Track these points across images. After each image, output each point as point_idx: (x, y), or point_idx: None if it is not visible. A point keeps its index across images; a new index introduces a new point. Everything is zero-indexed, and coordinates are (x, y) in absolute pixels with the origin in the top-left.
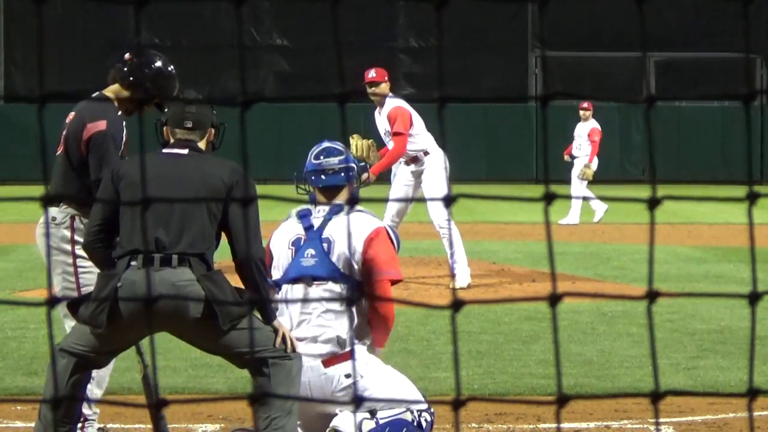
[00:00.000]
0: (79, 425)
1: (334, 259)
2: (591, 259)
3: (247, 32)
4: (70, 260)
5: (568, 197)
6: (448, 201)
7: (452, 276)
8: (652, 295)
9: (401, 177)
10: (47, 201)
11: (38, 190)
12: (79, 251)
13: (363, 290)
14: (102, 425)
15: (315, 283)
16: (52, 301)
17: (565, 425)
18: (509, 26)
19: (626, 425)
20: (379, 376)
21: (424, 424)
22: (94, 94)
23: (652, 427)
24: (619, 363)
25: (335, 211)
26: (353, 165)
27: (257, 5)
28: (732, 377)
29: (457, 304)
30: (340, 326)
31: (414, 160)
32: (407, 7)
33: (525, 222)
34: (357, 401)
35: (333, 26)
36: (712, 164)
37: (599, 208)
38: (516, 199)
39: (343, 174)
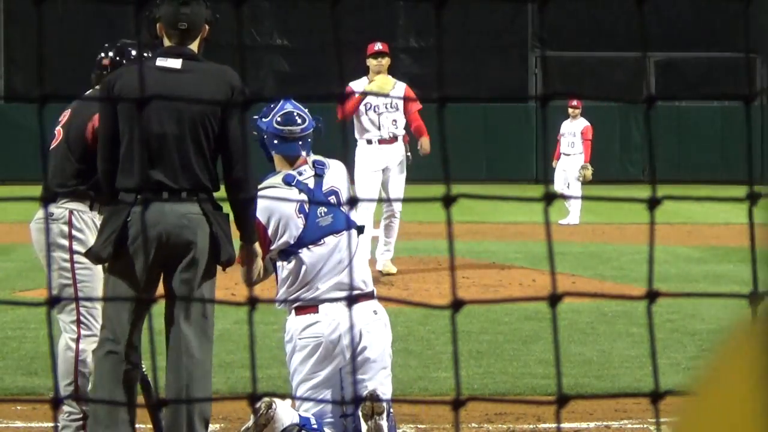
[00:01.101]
0: (80, 423)
1: (345, 208)
2: (591, 259)
3: (247, 32)
4: (66, 256)
5: (568, 198)
6: (448, 201)
7: (378, 259)
8: (652, 295)
9: (372, 162)
10: (47, 199)
11: (38, 190)
12: (76, 247)
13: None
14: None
15: (333, 238)
16: (52, 301)
17: (565, 425)
18: (509, 26)
19: (626, 425)
20: (390, 345)
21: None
22: (88, 92)
23: (652, 427)
24: (619, 363)
25: (322, 165)
26: (310, 131)
27: (257, 5)
28: None
29: (457, 304)
30: (361, 269)
31: (393, 139)
32: (407, 7)
33: (525, 222)
34: (356, 401)
35: (333, 26)
36: (712, 164)
37: (574, 214)
38: (516, 199)
39: (300, 143)
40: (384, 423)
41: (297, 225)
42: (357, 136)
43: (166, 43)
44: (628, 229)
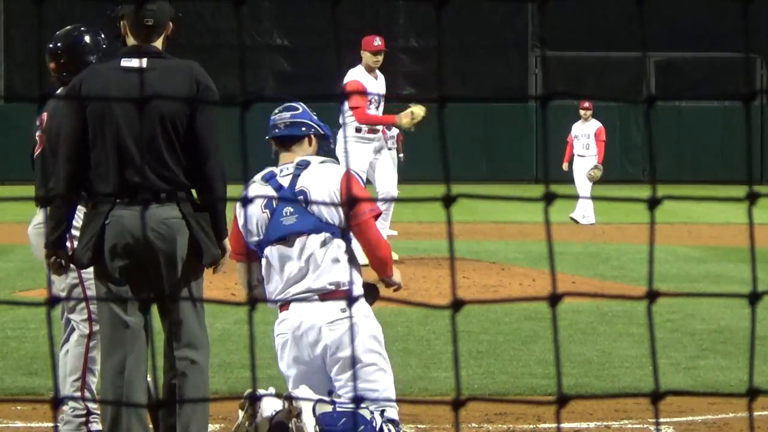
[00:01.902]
0: (83, 420)
1: (314, 210)
2: (591, 259)
3: (247, 32)
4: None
5: (569, 197)
6: (448, 201)
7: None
8: (652, 295)
9: (366, 153)
10: (44, 202)
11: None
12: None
13: (346, 233)
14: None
15: (299, 238)
16: (52, 301)
17: (565, 425)
18: (509, 26)
19: (626, 425)
20: (371, 339)
21: (385, 429)
22: (58, 91)
23: (652, 427)
24: (619, 363)
25: (302, 165)
26: (307, 121)
27: (257, 5)
28: (732, 377)
29: (457, 304)
30: (334, 273)
31: (377, 131)
32: (407, 7)
33: (525, 222)
34: (357, 400)
35: (333, 26)
36: (712, 164)
37: (587, 215)
38: (516, 199)
39: (295, 127)
40: (305, 423)
41: (263, 220)
42: (346, 121)
43: (130, 41)
44: (628, 229)
